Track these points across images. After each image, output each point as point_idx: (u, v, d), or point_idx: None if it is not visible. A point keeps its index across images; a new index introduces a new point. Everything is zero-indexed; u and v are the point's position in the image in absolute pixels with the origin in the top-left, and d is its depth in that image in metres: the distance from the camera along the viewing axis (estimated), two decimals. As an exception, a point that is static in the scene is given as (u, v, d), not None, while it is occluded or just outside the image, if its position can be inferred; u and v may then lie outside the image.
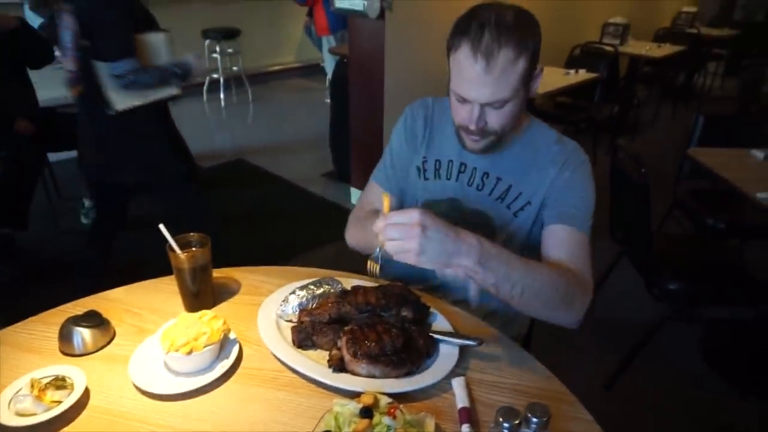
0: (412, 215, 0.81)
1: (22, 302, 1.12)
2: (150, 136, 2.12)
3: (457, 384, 0.89)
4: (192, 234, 1.08)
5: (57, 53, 3.44)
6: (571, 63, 4.01)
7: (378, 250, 0.90)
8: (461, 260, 0.84)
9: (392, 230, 0.82)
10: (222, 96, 5.85)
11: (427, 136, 1.23)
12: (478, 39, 0.93)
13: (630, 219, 1.95)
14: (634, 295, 2.04)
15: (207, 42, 5.68)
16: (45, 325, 1.03)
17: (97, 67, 1.90)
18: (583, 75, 3.57)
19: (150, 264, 1.06)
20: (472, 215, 1.17)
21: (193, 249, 1.07)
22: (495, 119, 1.02)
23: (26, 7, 3.27)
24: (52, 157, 3.25)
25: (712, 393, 2.04)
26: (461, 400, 0.86)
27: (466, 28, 0.96)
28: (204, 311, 0.98)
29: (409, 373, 0.90)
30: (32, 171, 2.61)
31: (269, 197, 3.66)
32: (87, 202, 3.07)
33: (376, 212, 1.19)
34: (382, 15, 2.82)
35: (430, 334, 0.97)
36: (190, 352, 0.89)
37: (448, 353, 0.95)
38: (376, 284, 1.08)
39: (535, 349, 1.44)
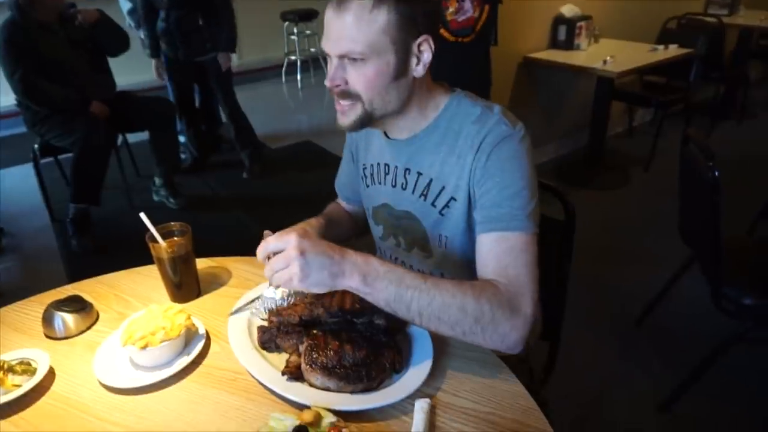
0: (289, 240, 0.78)
1: (91, 273, 1.18)
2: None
3: (419, 407, 0.79)
4: (173, 223, 1.06)
5: (141, 35, 3.68)
6: (664, 37, 3.57)
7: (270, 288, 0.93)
8: (345, 281, 0.80)
9: (275, 261, 0.79)
10: (299, 78, 5.94)
11: (364, 143, 1.14)
12: None
13: (700, 219, 1.68)
14: (707, 306, 1.77)
15: (285, 24, 5.78)
16: (41, 306, 1.05)
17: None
18: (673, 51, 3.15)
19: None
20: (404, 219, 1.07)
21: (175, 238, 1.05)
22: (355, 79, 0.90)
23: None
24: (132, 137, 3.47)
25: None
26: (417, 426, 0.76)
27: None
28: (171, 304, 0.96)
29: (367, 390, 0.82)
30: (103, 151, 2.78)
31: (330, 180, 3.66)
32: (158, 180, 3.25)
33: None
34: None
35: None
36: (145, 347, 0.86)
37: (418, 370, 0.85)
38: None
39: (577, 357, 1.29)
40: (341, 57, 0.89)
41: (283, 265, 0.78)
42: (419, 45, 0.89)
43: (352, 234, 1.28)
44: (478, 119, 0.94)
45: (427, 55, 0.90)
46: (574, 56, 3.21)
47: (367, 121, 0.95)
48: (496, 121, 0.93)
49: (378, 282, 0.80)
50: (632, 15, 3.66)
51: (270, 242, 0.81)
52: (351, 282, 0.80)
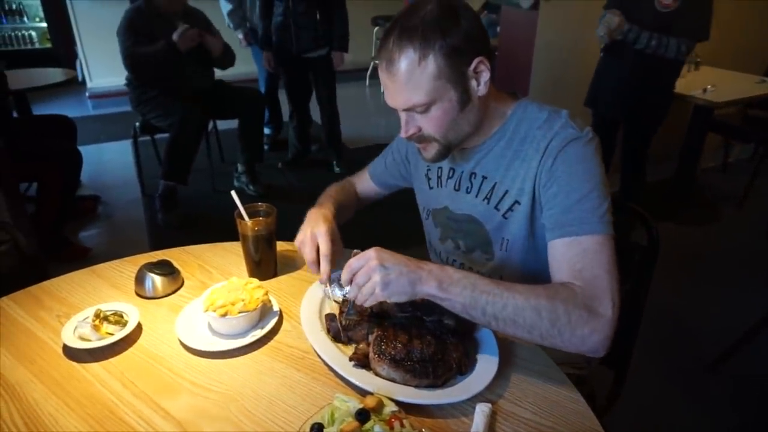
0: (369, 255, 0.84)
1: (171, 246, 1.26)
2: None
3: (480, 410, 0.78)
4: (260, 204, 1.12)
5: (240, 35, 3.87)
6: (775, 70, 3.33)
7: (348, 303, 0.93)
8: (423, 287, 0.82)
9: (358, 276, 0.84)
10: (382, 82, 6.02)
11: None
12: (383, 45, 0.89)
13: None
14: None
15: (376, 29, 5.91)
16: (134, 267, 1.14)
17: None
18: (784, 85, 2.93)
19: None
20: (465, 222, 1.07)
21: (260, 218, 1.10)
22: (426, 125, 0.93)
23: None
24: (222, 125, 3.66)
25: None
26: (476, 427, 0.76)
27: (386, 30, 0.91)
28: (251, 279, 1.01)
29: (431, 386, 0.83)
30: (196, 135, 2.96)
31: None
32: (240, 167, 3.41)
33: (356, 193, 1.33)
34: (535, 5, 2.63)
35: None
36: (224, 315, 0.92)
37: (482, 374, 0.84)
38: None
39: (639, 390, 1.23)
40: (407, 110, 0.93)
41: (365, 279, 0.82)
42: (474, 68, 0.90)
43: (352, 214, 1.31)
44: (544, 123, 0.94)
45: (485, 74, 0.91)
46: (670, 82, 3.05)
47: (447, 152, 0.99)
48: (562, 125, 0.93)
49: (453, 287, 0.82)
50: (740, 44, 3.44)
51: (352, 263, 0.85)
52: (428, 288, 0.82)
